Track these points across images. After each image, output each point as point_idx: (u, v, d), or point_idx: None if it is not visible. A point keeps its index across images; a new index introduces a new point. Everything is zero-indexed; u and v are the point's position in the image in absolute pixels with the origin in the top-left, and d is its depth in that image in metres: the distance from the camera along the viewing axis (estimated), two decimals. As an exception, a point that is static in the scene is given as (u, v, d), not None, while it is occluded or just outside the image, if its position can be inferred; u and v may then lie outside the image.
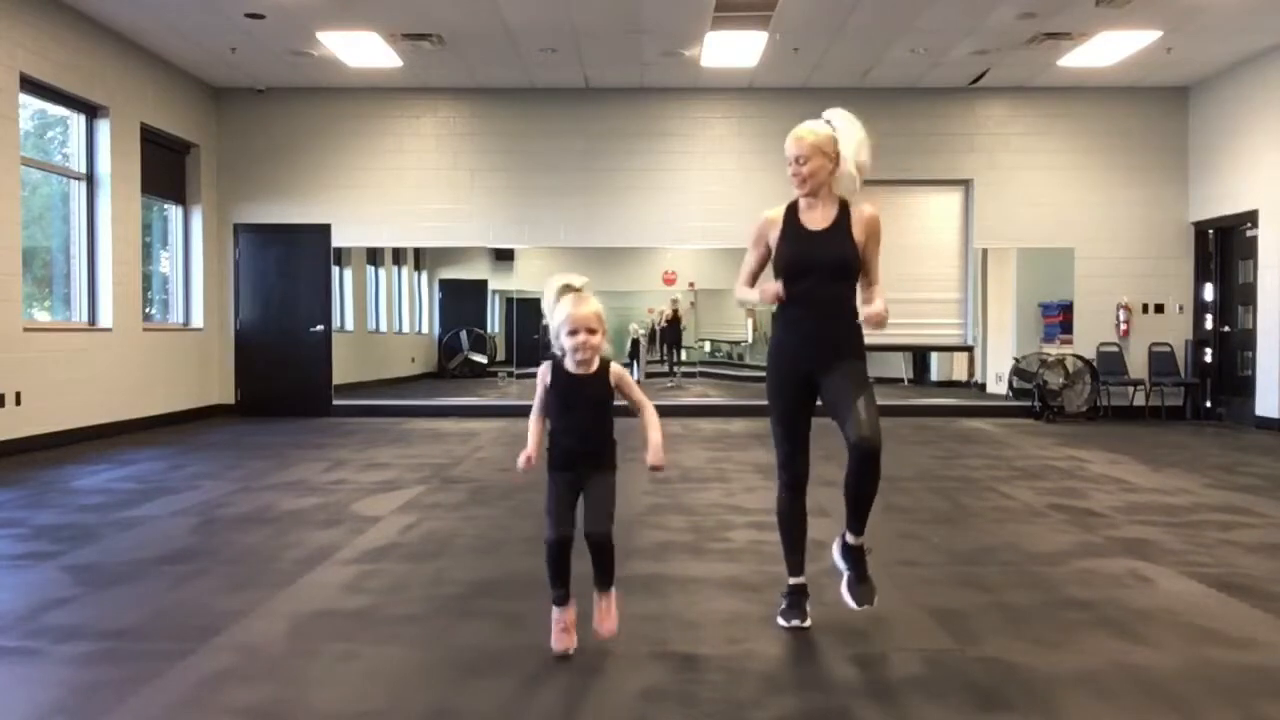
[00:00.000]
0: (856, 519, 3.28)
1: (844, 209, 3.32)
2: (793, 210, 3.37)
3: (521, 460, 3.03)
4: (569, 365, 3.05)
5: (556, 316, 3.02)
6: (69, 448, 8.32)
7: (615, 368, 3.10)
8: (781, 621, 3.37)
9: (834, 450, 3.26)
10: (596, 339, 3.01)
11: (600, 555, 3.06)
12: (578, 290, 3.03)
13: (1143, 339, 11.38)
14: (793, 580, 3.41)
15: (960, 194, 11.64)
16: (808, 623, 3.35)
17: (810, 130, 3.28)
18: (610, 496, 3.06)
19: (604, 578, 3.09)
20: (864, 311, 3.26)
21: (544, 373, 3.09)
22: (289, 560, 4.39)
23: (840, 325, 3.29)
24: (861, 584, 3.29)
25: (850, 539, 3.32)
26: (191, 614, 3.59)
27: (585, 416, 3.07)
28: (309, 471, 7.07)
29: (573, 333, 2.99)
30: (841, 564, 3.37)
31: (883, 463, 3.19)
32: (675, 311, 13.27)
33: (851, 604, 3.29)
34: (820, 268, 3.26)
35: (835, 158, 3.27)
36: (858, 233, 3.30)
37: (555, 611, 3.09)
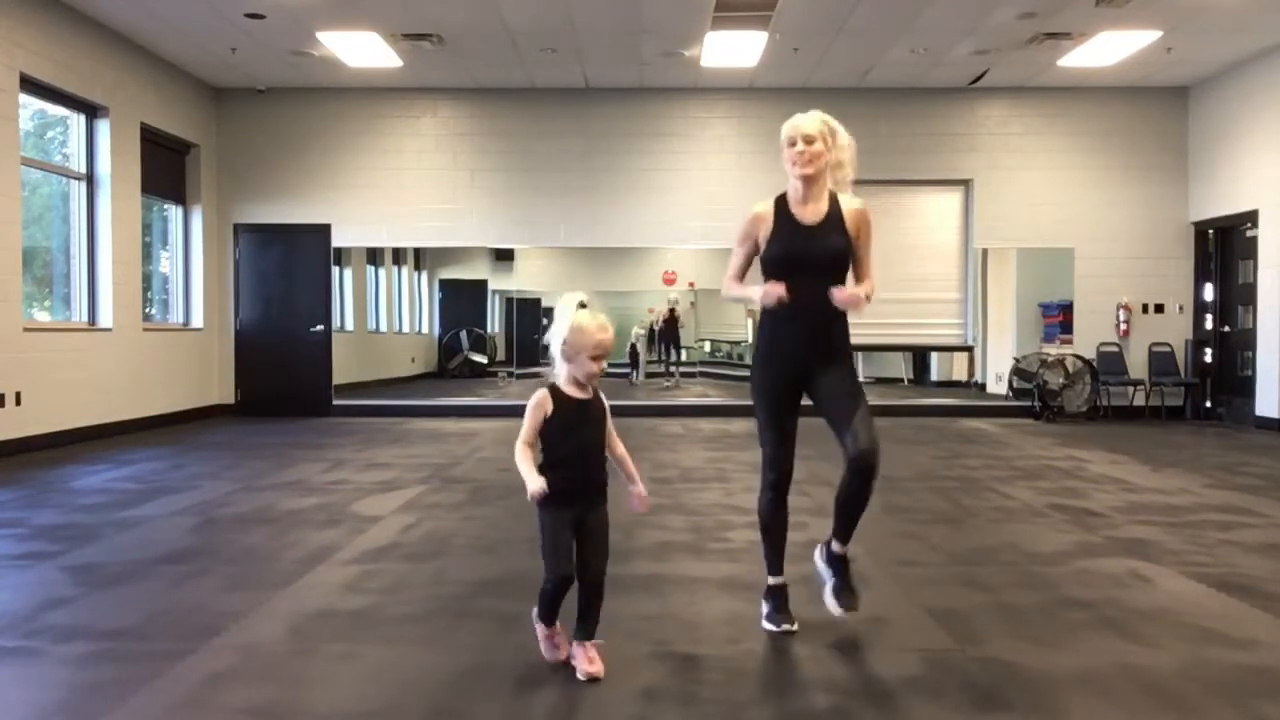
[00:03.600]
0: (846, 529, 3.28)
1: (834, 202, 3.29)
2: (782, 204, 3.32)
3: (538, 488, 2.82)
4: (569, 389, 2.95)
5: (579, 337, 2.90)
6: (69, 448, 8.32)
7: (602, 394, 3.04)
8: (770, 626, 3.34)
9: (832, 452, 3.26)
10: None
11: (596, 597, 2.95)
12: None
13: (1143, 339, 11.38)
14: (774, 580, 3.39)
15: (960, 194, 11.64)
16: (795, 625, 3.33)
17: (815, 115, 3.27)
18: (608, 532, 2.98)
19: (593, 624, 2.96)
20: (841, 291, 3.16)
21: (543, 400, 2.93)
22: (289, 560, 4.39)
23: (833, 324, 3.26)
24: (847, 591, 3.28)
25: (837, 548, 3.31)
26: (191, 614, 3.58)
27: (590, 440, 2.97)
28: (309, 471, 7.07)
29: (596, 358, 2.91)
30: (825, 570, 3.35)
31: (883, 464, 3.20)
32: (673, 311, 13.27)
33: (837, 610, 3.28)
34: (815, 264, 3.22)
35: (831, 149, 3.26)
36: (850, 226, 3.27)
37: (543, 629, 3.02)
